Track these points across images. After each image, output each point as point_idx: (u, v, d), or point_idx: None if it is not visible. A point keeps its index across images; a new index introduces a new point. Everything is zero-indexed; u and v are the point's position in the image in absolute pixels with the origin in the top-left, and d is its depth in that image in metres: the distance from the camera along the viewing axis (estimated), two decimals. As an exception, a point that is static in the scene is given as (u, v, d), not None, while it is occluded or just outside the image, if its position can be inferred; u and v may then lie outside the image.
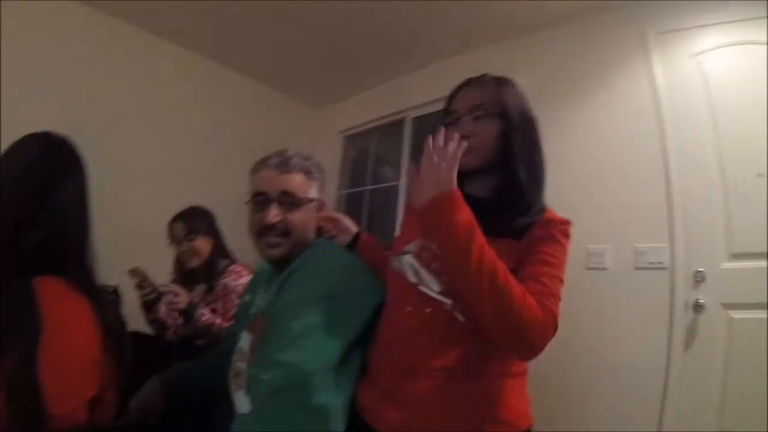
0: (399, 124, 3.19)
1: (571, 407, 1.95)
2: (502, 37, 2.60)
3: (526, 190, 0.85)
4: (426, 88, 2.95)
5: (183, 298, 1.64)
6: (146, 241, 1.97)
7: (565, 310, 0.74)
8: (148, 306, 1.69)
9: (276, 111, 3.49)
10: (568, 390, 1.95)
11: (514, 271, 0.74)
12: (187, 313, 1.63)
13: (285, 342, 0.81)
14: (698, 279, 1.77)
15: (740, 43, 1.91)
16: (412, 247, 0.89)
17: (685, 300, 1.78)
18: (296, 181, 0.98)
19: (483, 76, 0.93)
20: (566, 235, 0.83)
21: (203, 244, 1.83)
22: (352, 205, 3.46)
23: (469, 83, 0.94)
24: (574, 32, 2.37)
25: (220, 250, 1.88)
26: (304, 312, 0.83)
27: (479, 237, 0.73)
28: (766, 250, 1.65)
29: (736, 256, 1.75)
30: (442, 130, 0.80)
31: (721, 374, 1.68)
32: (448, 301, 0.81)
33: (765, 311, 1.62)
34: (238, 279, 1.76)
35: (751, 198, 1.74)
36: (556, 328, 0.73)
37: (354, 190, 3.48)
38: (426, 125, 2.93)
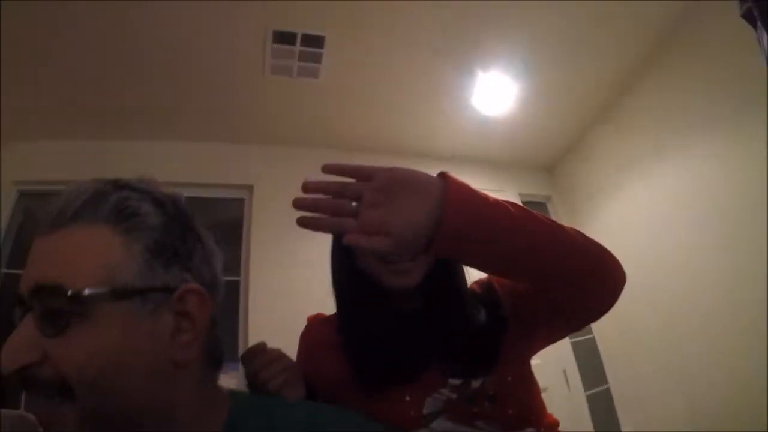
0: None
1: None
2: (256, 139, 2.66)
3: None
4: (151, 164, 2.37)
5: None
6: None
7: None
8: None
9: None
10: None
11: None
12: None
13: None
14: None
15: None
16: (433, 405, 0.63)
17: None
18: (78, 244, 0.41)
19: None
20: None
21: None
22: (8, 294, 2.27)
23: None
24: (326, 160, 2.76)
25: None
26: None
27: (509, 208, 0.50)
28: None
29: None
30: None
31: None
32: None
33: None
34: None
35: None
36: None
37: (16, 271, 2.29)
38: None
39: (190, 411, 0.44)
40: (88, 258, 0.40)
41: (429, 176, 0.48)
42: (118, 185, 0.44)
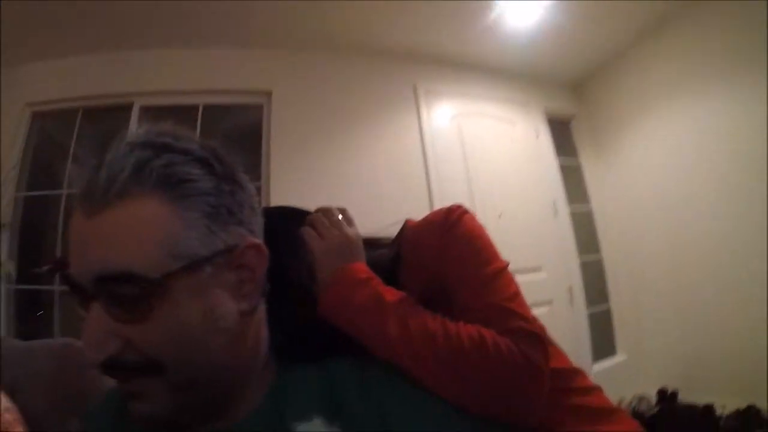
0: (120, 111, 2.36)
1: None
2: (272, 44, 2.52)
3: None
4: (165, 73, 2.38)
5: None
6: None
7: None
8: None
9: None
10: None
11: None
12: None
13: None
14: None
15: (490, 117, 2.83)
16: None
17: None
18: (133, 223, 0.38)
19: None
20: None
21: None
22: (30, 217, 2.30)
23: None
24: (349, 67, 2.62)
25: None
26: None
27: (391, 309, 0.54)
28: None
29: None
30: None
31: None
32: None
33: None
34: None
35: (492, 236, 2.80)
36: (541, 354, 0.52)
37: (36, 193, 2.34)
38: (158, 120, 2.47)
39: (259, 352, 0.49)
40: (149, 236, 0.38)
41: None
42: (157, 147, 0.40)
